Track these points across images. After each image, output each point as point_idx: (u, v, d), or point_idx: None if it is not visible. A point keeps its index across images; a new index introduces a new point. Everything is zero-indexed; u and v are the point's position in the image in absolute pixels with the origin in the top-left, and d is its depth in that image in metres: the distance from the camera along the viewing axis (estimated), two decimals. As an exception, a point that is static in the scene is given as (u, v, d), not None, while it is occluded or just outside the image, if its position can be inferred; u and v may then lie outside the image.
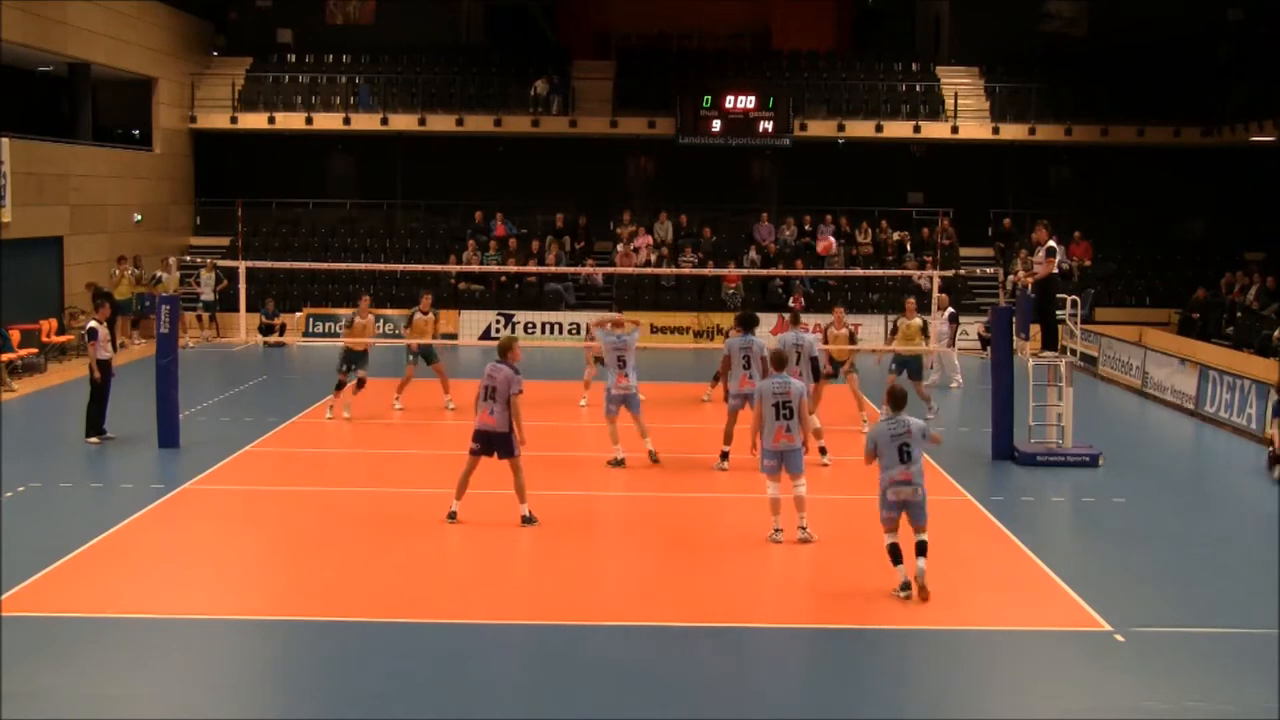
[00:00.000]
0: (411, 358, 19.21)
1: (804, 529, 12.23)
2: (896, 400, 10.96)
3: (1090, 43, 34.34)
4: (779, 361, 12.55)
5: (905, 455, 10.63)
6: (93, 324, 16.75)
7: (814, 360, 16.12)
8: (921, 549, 10.55)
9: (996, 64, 33.70)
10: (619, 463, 15.35)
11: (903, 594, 10.54)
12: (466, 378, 19.32)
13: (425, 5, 35.94)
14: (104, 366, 16.61)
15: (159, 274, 28.02)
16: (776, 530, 12.22)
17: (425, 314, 19.42)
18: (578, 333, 28.65)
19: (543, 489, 14.06)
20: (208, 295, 28.46)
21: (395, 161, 33.89)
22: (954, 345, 22.94)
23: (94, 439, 16.52)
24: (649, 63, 34.90)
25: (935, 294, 19.69)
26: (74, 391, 16.81)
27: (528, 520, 12.66)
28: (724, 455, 15.39)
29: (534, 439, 15.96)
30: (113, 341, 25.85)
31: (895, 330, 20.05)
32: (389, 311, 29.27)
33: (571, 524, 13.06)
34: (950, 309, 22.95)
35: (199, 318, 28.60)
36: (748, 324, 15.29)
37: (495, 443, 12.52)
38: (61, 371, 22.89)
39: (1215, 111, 31.25)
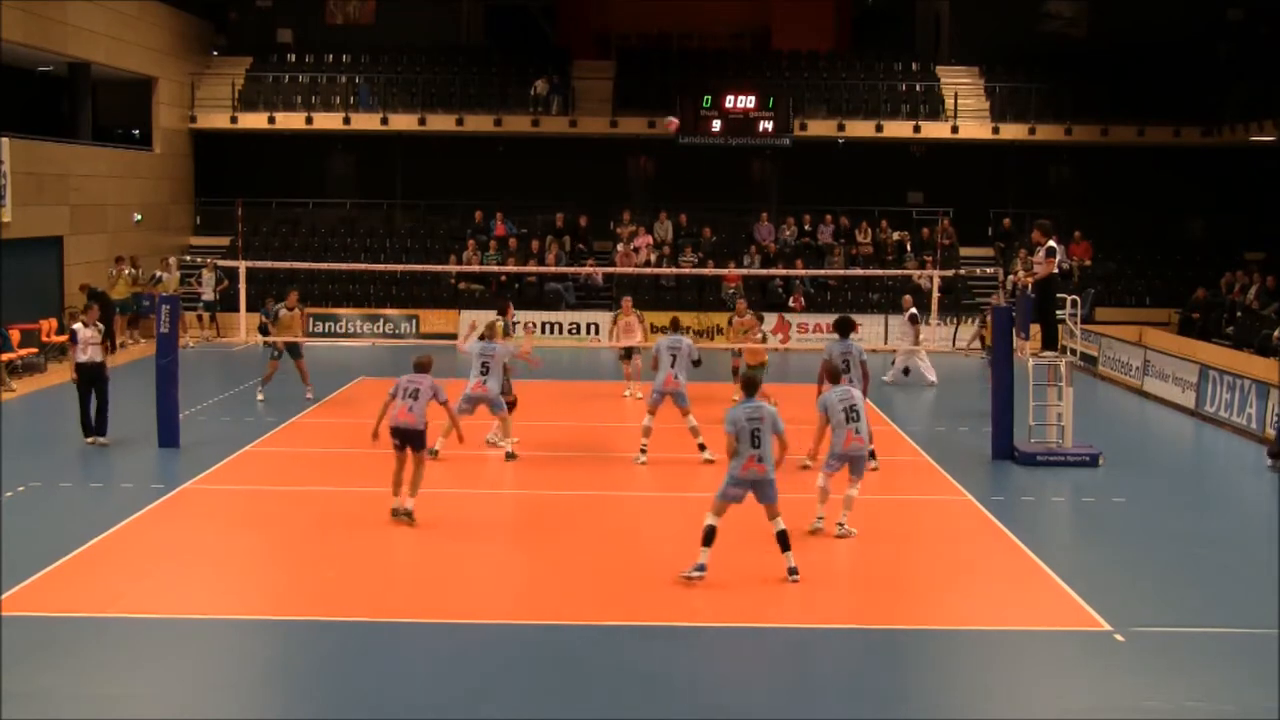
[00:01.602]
0: (275, 354, 19.86)
1: (843, 524, 12.55)
2: (750, 386, 11.38)
3: (1090, 43, 34.34)
4: (833, 374, 13.12)
5: (756, 440, 10.86)
6: (76, 326, 16.47)
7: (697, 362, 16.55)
8: (783, 542, 10.99)
9: (996, 64, 33.70)
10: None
11: (695, 574, 10.82)
12: (464, 377, 19.26)
13: (425, 5, 35.95)
14: (89, 369, 16.22)
15: (159, 274, 28.02)
16: (819, 519, 12.54)
17: (291, 310, 20.03)
18: (577, 332, 28.70)
19: (546, 488, 14.07)
20: (209, 295, 28.46)
21: (395, 161, 33.89)
22: (918, 344, 22.87)
23: (90, 440, 16.33)
24: (649, 63, 34.89)
25: (935, 294, 19.66)
26: (74, 391, 16.77)
27: (402, 514, 12.72)
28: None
29: (532, 439, 16.00)
30: (112, 341, 26.01)
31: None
32: (389, 311, 29.33)
33: (575, 523, 13.06)
34: (912, 310, 22.90)
35: (199, 317, 28.60)
36: (845, 329, 15.29)
37: (410, 438, 12.79)
38: (61, 371, 22.81)
39: (1215, 111, 31.24)
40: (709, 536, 10.93)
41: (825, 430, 12.71)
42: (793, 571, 11.01)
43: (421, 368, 13.11)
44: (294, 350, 19.86)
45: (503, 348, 16.10)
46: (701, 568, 10.87)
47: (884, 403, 20.33)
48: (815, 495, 12.69)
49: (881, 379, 22.77)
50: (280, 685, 9.02)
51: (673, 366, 15.59)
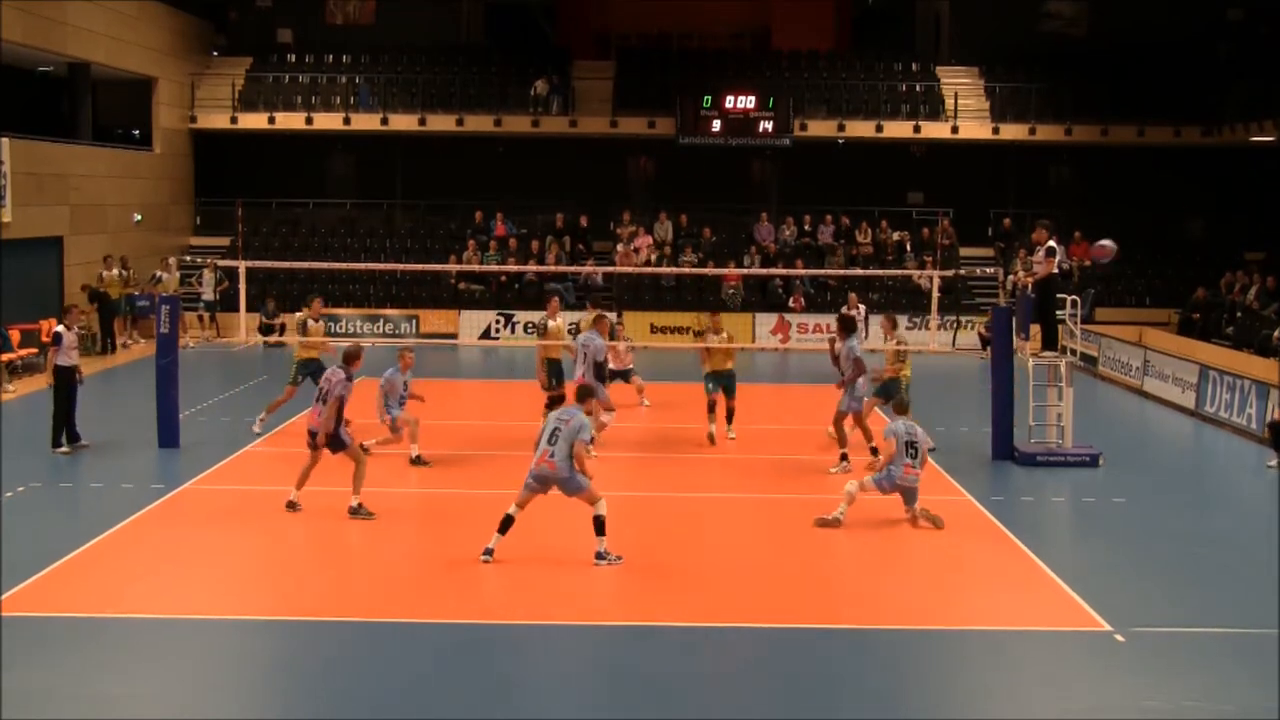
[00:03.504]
0: (296, 379, 17.20)
1: (926, 511, 12.98)
2: (578, 395, 12.11)
3: (1090, 43, 34.34)
4: (901, 408, 13.50)
5: (553, 438, 11.40)
6: (59, 329, 16.23)
7: (599, 365, 16.14)
8: (597, 526, 11.42)
9: (996, 64, 33.70)
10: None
11: (485, 558, 11.34)
12: (468, 378, 19.32)
13: (425, 5, 35.95)
14: (68, 373, 16.02)
15: (159, 274, 28.01)
16: (840, 512, 12.82)
17: (317, 321, 17.60)
18: (577, 333, 28.62)
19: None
20: (209, 295, 28.45)
21: (395, 161, 33.90)
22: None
23: (64, 449, 15.95)
24: (649, 63, 34.89)
25: (935, 294, 19.64)
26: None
27: (355, 512, 12.89)
28: (844, 457, 15.43)
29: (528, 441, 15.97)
30: (112, 342, 26.03)
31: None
32: (389, 311, 29.32)
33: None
34: (861, 305, 22.86)
35: (200, 318, 28.59)
36: (851, 327, 15.43)
37: (319, 440, 13.02)
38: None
39: (1215, 111, 31.25)
40: (505, 525, 11.41)
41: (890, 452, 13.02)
42: (600, 556, 11.41)
43: (349, 359, 13.22)
44: (318, 371, 16.34)
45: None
46: (489, 551, 11.35)
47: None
48: (841, 497, 12.92)
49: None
50: (280, 685, 9.02)
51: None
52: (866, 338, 22.63)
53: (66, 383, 16.09)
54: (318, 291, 29.76)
